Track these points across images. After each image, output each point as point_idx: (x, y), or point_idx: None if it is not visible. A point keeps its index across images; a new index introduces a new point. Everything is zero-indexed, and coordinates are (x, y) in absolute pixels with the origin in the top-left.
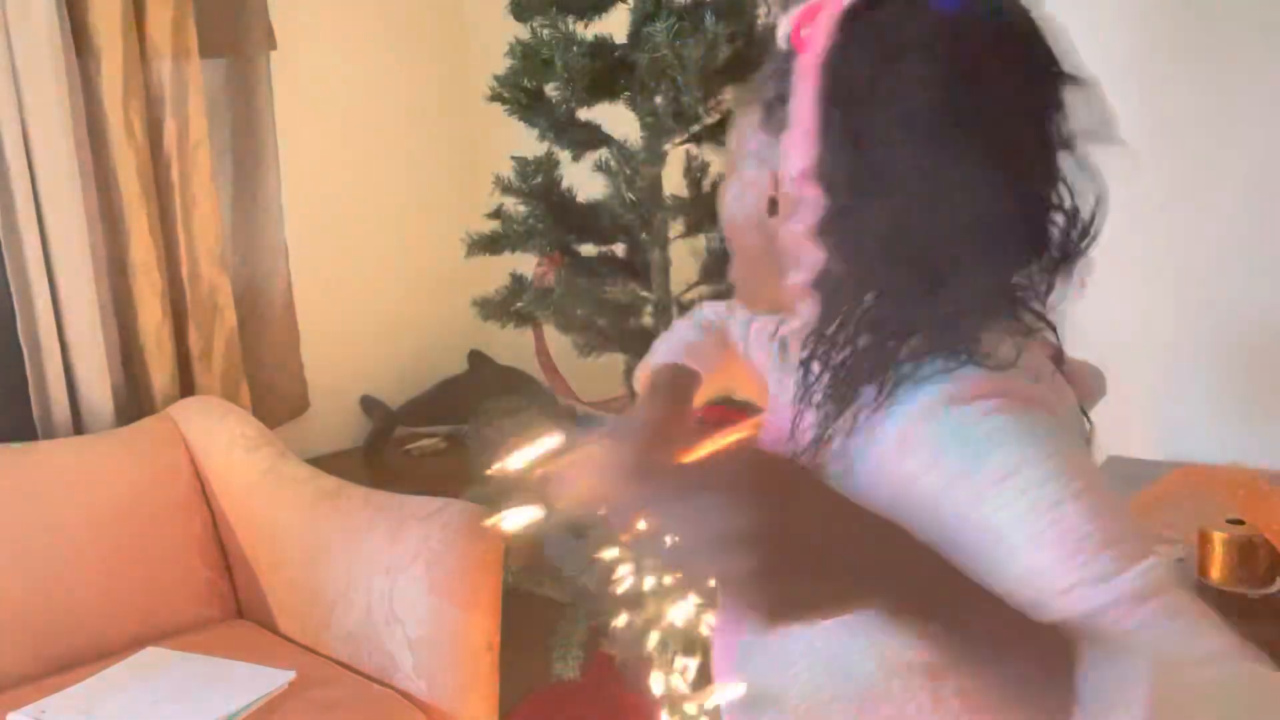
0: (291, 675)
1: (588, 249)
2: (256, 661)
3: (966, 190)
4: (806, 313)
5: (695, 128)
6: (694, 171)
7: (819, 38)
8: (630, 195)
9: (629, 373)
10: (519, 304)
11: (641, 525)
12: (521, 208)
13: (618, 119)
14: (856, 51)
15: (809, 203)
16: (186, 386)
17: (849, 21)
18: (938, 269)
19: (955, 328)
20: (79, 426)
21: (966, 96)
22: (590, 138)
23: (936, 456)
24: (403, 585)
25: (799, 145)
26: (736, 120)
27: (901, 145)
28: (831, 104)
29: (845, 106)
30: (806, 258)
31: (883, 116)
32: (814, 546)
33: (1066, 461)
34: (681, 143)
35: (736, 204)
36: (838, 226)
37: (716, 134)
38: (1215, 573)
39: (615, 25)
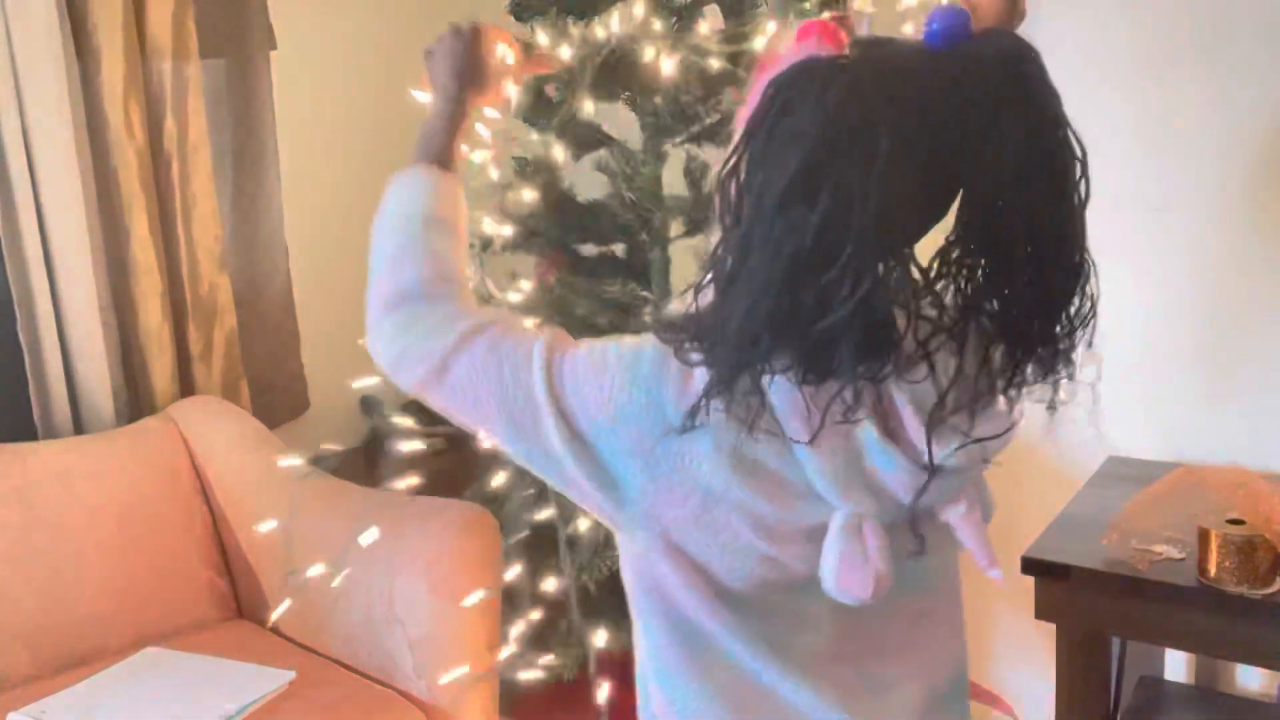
0: (291, 675)
1: (588, 249)
2: (256, 661)
3: (753, 276)
4: None
5: (695, 128)
6: (694, 171)
7: (754, 94)
8: (630, 195)
9: None
10: (516, 305)
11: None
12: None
13: (618, 119)
14: (760, 119)
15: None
16: (186, 386)
17: (769, 89)
18: (720, 320)
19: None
20: (79, 426)
21: (811, 189)
22: (590, 138)
23: None
24: (403, 585)
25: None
26: None
27: (752, 210)
28: (736, 153)
29: (741, 160)
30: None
31: (755, 180)
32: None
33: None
34: (681, 143)
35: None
36: (712, 248)
37: (716, 134)
38: (1215, 573)
39: (615, 24)
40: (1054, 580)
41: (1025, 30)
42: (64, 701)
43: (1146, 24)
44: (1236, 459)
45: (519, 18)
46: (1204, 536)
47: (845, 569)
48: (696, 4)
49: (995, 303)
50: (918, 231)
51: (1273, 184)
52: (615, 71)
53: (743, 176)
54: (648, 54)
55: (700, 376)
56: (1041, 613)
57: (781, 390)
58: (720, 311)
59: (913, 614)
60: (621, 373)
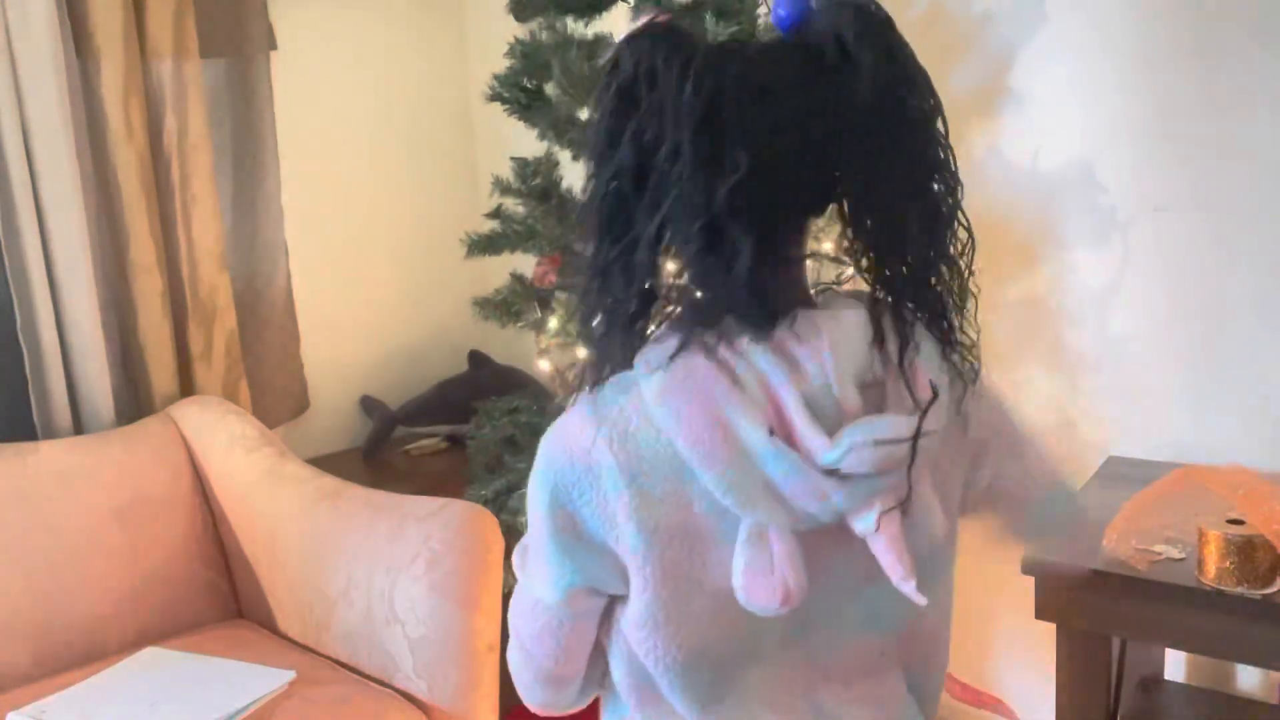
0: (291, 675)
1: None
2: (256, 661)
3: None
4: None
5: None
6: None
7: None
8: None
9: None
10: (522, 323)
11: None
12: (521, 208)
13: None
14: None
15: None
16: (186, 386)
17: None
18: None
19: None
20: (79, 426)
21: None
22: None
23: None
24: (403, 585)
25: None
26: None
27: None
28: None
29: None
30: None
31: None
32: None
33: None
34: None
35: None
36: None
37: None
38: (1215, 573)
39: (615, 23)
40: (1054, 580)
41: (1031, 30)
42: (64, 701)
43: (1147, 24)
44: (1236, 459)
45: (518, 17)
46: (1204, 536)
47: (750, 578)
48: (697, 4)
49: (885, 265)
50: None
51: (1274, 181)
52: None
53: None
54: None
55: (581, 422)
56: (1041, 613)
57: (667, 405)
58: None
59: (868, 652)
60: (534, 513)
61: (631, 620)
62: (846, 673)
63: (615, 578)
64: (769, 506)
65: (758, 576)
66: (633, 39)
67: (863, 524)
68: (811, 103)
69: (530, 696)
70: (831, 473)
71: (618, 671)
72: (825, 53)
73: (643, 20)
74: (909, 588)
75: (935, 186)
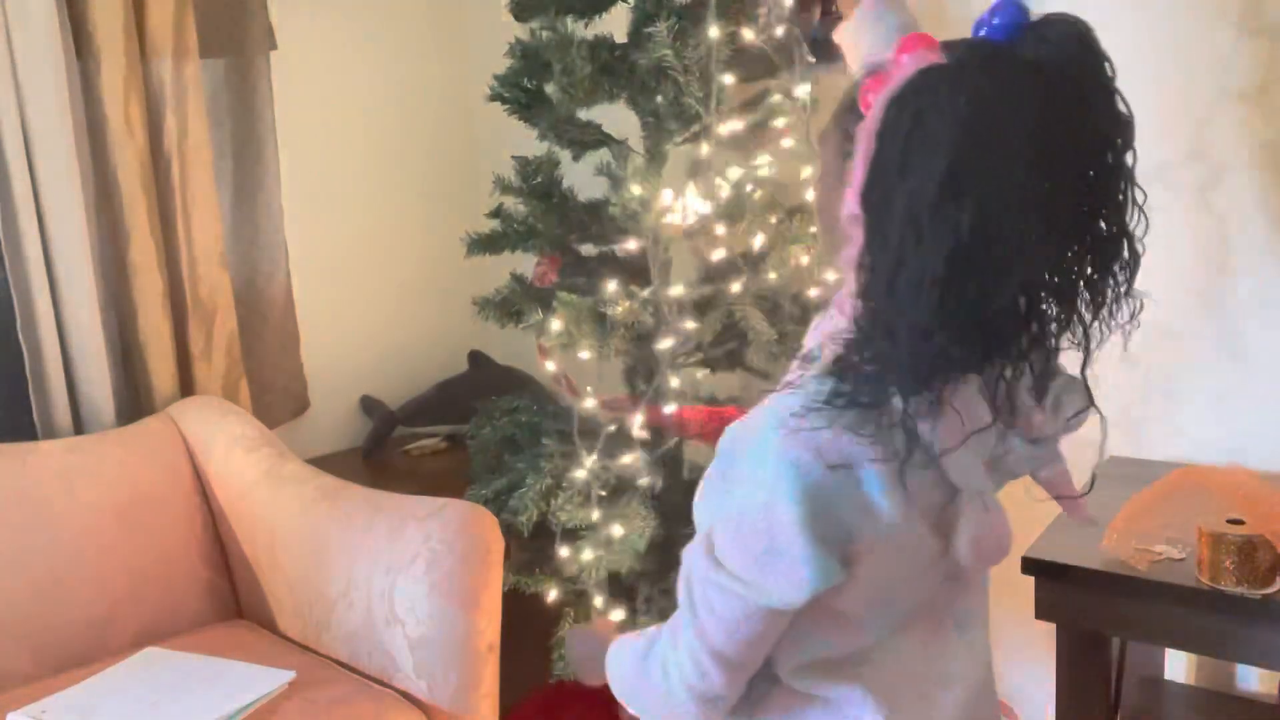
0: (291, 675)
1: (588, 249)
2: (256, 661)
3: (923, 274)
4: (838, 315)
5: (696, 127)
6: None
7: (874, 111)
8: (632, 194)
9: (631, 372)
10: (522, 324)
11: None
12: (522, 207)
13: (618, 119)
14: (892, 133)
15: (852, 240)
16: (186, 386)
17: (894, 103)
18: (890, 328)
19: (878, 379)
20: (79, 426)
21: (959, 189)
22: (591, 137)
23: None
24: (403, 585)
25: (851, 195)
26: (825, 133)
27: (903, 218)
28: (871, 170)
29: (878, 175)
30: (847, 280)
31: (899, 190)
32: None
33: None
34: (682, 142)
35: (824, 201)
36: (860, 266)
37: (717, 134)
38: (1215, 573)
39: (615, 23)
40: (1054, 580)
41: None
42: (64, 701)
43: (1147, 23)
44: (1236, 459)
45: (519, 17)
46: (1204, 536)
47: (979, 542)
48: (697, 4)
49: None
50: (1048, 214)
51: (1273, 180)
52: (615, 71)
53: (880, 191)
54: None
55: (816, 440)
56: (1041, 613)
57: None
58: (883, 319)
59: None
60: (783, 520)
61: (860, 592)
62: (973, 578)
63: (842, 570)
64: (990, 477)
65: (984, 538)
66: (933, 91)
67: (1046, 472)
68: (1056, 114)
69: (707, 689)
70: (1033, 440)
71: (790, 656)
72: (1063, 68)
73: (919, 58)
74: (1082, 514)
75: (1122, 226)
